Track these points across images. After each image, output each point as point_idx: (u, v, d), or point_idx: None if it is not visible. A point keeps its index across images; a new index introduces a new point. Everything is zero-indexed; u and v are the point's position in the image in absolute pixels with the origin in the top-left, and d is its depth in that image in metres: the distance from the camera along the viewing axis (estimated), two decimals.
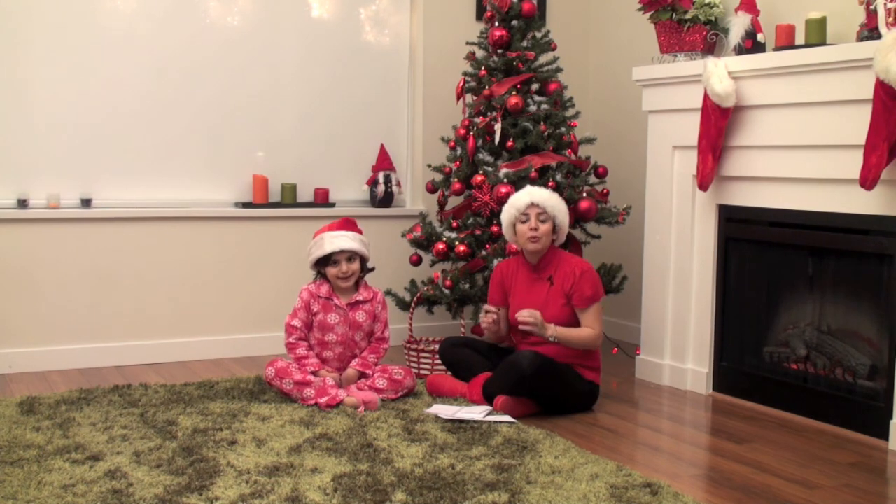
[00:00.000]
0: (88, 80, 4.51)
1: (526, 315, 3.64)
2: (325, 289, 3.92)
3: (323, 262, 3.89)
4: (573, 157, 4.48)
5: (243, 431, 3.31)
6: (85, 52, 4.49)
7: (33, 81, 4.40)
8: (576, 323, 3.77)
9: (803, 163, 3.71)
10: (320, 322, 3.89)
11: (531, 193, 3.82)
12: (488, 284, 4.09)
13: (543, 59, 4.62)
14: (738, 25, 4.00)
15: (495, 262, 4.21)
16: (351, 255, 3.88)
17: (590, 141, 4.57)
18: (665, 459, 3.26)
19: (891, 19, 3.33)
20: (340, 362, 3.91)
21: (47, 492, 2.68)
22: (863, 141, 3.34)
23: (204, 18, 4.74)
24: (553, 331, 3.66)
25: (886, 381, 3.46)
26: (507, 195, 4.03)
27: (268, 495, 2.70)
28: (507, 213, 3.86)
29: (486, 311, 3.84)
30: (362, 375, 3.88)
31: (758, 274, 4.05)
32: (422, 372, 4.31)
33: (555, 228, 3.83)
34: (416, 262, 4.65)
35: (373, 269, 4.03)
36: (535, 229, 3.76)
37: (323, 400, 3.65)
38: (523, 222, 3.79)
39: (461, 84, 4.66)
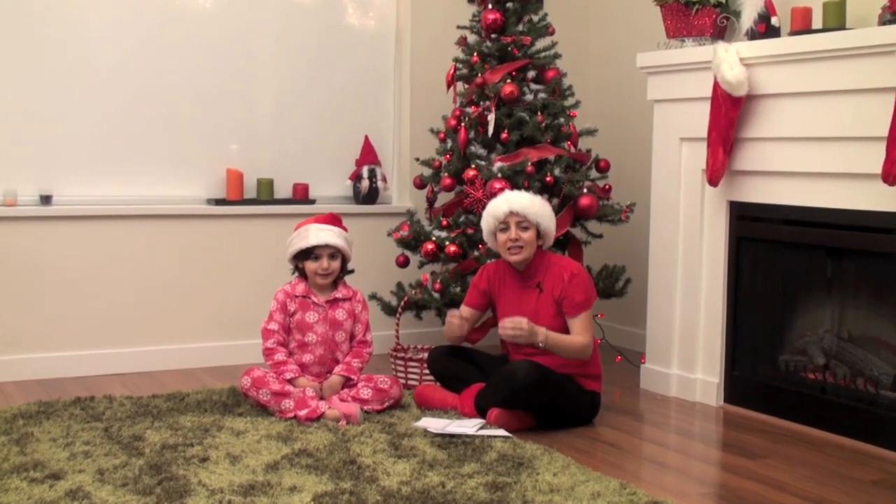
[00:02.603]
0: (47, 67, 4.48)
1: (509, 328, 3.60)
2: (301, 287, 3.92)
3: (303, 256, 3.88)
4: (573, 150, 4.48)
5: (216, 447, 3.30)
6: (43, 37, 4.46)
7: None
8: (568, 331, 3.75)
9: (821, 156, 3.71)
10: (298, 322, 3.89)
11: (509, 201, 3.77)
12: None
13: (540, 44, 4.62)
14: (750, 8, 4.01)
15: (488, 262, 4.20)
16: (334, 252, 3.88)
17: (591, 133, 4.59)
18: (672, 477, 3.26)
19: None
20: (321, 366, 3.90)
21: None
22: (885, 133, 3.34)
23: (172, 0, 4.71)
24: (544, 335, 3.63)
25: None
26: (502, 191, 4.01)
27: None
28: (486, 222, 3.84)
29: (451, 315, 3.85)
30: (347, 381, 3.86)
31: (772, 276, 4.05)
32: (409, 382, 4.30)
33: (539, 234, 3.80)
34: (404, 263, 4.64)
35: (352, 272, 4.03)
36: (516, 239, 3.74)
37: (302, 413, 3.64)
38: (503, 231, 3.77)
39: (452, 71, 4.65)
